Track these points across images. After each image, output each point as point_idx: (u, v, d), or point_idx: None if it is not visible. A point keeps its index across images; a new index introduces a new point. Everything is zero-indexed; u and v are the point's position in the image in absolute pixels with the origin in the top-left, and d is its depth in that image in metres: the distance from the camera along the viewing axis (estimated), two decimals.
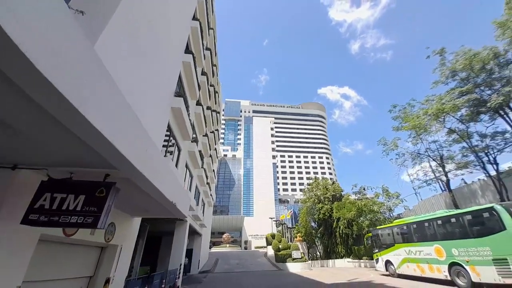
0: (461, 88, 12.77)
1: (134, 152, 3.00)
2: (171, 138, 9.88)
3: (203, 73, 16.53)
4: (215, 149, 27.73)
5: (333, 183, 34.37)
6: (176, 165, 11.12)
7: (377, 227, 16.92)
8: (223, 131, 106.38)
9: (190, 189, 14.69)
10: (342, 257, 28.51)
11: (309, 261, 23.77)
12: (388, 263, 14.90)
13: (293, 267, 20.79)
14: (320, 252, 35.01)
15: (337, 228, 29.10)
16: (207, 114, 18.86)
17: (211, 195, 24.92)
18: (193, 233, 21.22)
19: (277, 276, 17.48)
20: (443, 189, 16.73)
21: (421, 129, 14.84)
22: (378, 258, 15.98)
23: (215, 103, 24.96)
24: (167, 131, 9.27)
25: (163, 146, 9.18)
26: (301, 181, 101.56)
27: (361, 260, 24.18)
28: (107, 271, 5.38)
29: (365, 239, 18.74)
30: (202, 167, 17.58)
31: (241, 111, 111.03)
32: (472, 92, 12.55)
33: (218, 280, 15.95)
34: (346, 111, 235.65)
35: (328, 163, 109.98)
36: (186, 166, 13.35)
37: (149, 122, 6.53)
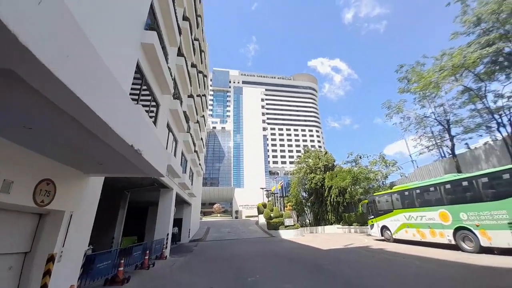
0: (488, 37, 11.22)
1: None
2: (143, 86, 7.83)
3: (185, 18, 13.78)
4: (203, 116, 25.59)
5: (326, 153, 33.88)
6: (155, 123, 9.25)
7: (374, 194, 16.42)
8: (211, 102, 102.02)
9: (175, 155, 13.04)
10: (331, 224, 29.17)
11: (301, 228, 23.85)
12: (384, 228, 14.61)
13: (286, 234, 20.64)
14: (309, 220, 35.93)
15: (328, 197, 29.27)
16: (192, 72, 16.43)
17: (200, 164, 23.51)
18: (182, 203, 20.18)
19: (271, 242, 17.11)
20: (443, 155, 16.16)
21: (433, 88, 13.48)
22: (373, 224, 15.70)
23: (201, 63, 22.14)
24: (137, 73, 7.21)
25: (133, 94, 7.19)
26: (291, 153, 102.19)
27: (351, 226, 24.61)
28: (50, 245, 3.84)
29: (360, 206, 18.46)
30: (188, 132, 15.75)
31: (230, 82, 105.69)
32: (496, 44, 11.11)
33: (209, 248, 15.26)
34: (336, 85, 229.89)
35: (318, 136, 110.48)
36: (168, 127, 11.49)
37: (109, 58, 4.53)
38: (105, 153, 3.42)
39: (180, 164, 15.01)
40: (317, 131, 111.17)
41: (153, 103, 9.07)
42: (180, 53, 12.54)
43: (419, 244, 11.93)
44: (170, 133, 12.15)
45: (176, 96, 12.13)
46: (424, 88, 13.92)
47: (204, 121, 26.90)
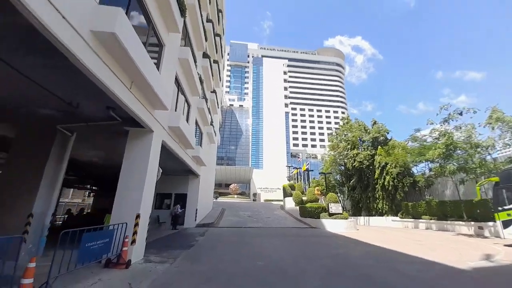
0: None
1: None
2: None
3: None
4: (217, 62, 18.93)
5: (375, 123, 26.14)
6: None
7: None
8: (228, 78, 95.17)
9: (158, 67, 6.70)
10: (382, 215, 22.30)
11: (352, 218, 17.27)
12: None
13: (333, 226, 14.18)
14: (344, 207, 29.32)
15: (380, 179, 22.11)
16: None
17: (212, 124, 17.28)
18: (187, 173, 14.36)
19: (319, 237, 10.76)
20: None
21: None
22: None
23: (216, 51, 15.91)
24: None
25: None
26: (313, 136, 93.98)
27: (420, 220, 17.55)
28: None
29: (477, 188, 11.19)
30: (189, 46, 9.31)
31: (248, 56, 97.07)
32: None
33: (222, 243, 9.27)
34: (357, 67, 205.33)
35: (343, 118, 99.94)
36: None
37: None
38: None
39: (176, 101, 8.81)
40: (343, 112, 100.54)
41: None
42: None
43: None
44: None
45: None
46: None
47: (219, 69, 20.28)
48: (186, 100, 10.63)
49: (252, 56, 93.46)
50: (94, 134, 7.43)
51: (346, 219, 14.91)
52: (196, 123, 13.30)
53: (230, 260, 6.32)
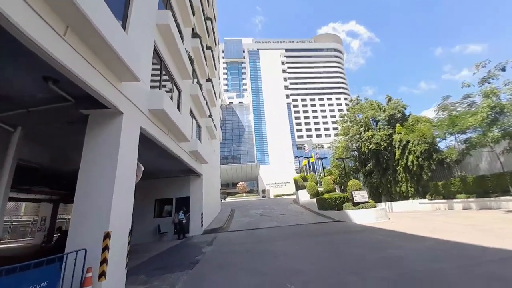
0: None
1: None
2: None
3: None
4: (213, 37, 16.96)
5: (390, 99, 23.84)
6: None
7: None
8: (225, 76, 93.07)
9: (126, 28, 4.78)
10: (407, 198, 20.25)
11: (380, 205, 15.32)
12: None
13: (361, 217, 12.25)
14: None
15: (402, 160, 20.02)
16: None
17: (211, 117, 15.39)
18: (188, 173, 12.60)
19: (354, 234, 8.86)
20: None
21: None
22: None
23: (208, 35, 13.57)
24: None
25: None
26: (317, 126, 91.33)
27: (455, 200, 15.50)
28: None
29: None
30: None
31: (243, 52, 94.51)
32: None
33: (235, 253, 7.48)
34: (354, 53, 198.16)
35: (347, 104, 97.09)
36: None
37: None
38: None
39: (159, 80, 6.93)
40: (345, 98, 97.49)
41: None
42: None
43: None
44: None
45: None
46: None
47: (213, 57, 18.28)
48: (175, 84, 8.75)
49: (248, 51, 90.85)
50: (48, 127, 5.59)
51: (375, 207, 12.92)
52: (192, 113, 11.43)
53: (247, 285, 4.46)
